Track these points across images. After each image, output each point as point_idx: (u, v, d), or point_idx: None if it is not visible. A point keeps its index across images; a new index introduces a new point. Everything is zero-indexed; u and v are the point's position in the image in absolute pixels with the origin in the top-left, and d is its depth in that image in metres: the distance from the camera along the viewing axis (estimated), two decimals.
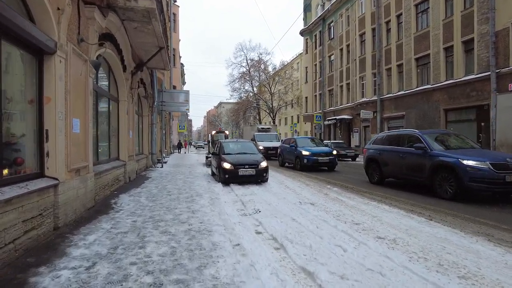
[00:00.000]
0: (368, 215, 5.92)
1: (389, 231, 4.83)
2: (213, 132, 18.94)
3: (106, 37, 6.78)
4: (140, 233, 4.46)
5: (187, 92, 15.31)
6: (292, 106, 52.91)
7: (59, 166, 4.36)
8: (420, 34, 20.84)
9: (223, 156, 10.29)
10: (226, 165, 9.70)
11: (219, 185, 9.62)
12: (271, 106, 48.50)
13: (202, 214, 5.71)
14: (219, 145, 11.42)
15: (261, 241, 4.39)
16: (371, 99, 25.75)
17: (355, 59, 28.27)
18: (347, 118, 29.49)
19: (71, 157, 4.77)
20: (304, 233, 4.68)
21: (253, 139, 21.65)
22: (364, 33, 26.66)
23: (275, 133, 24.27)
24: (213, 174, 12.26)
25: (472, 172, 6.85)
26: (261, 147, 19.49)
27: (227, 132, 19.44)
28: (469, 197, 7.45)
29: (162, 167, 14.95)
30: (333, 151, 14.76)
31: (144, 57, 10.33)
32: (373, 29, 25.57)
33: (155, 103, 13.84)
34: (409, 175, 8.71)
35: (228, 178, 9.66)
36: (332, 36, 33.46)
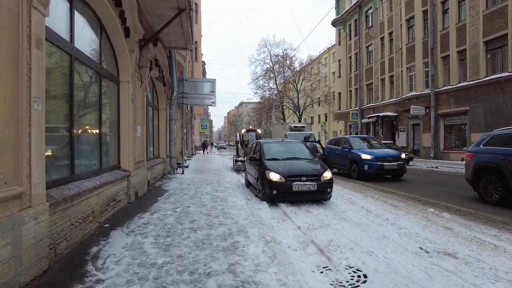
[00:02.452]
0: None
1: None
2: (243, 131, 15.90)
3: None
4: None
5: (213, 81, 12.38)
6: (319, 104, 49.38)
7: None
8: (492, 11, 17.06)
9: (267, 162, 7.25)
10: (274, 177, 6.66)
11: (264, 205, 6.58)
12: (297, 104, 45.16)
13: None
14: (258, 147, 8.39)
15: None
16: (422, 92, 22.06)
17: (401, 48, 24.60)
18: (391, 116, 25.84)
19: None
20: None
21: None
22: (412, 17, 22.95)
23: (311, 132, 21.03)
24: (248, 184, 9.27)
25: None
26: None
27: (259, 130, 16.38)
28: None
29: (182, 173, 12.09)
30: (401, 154, 11.43)
31: (157, 25, 7.44)
32: (425, 12, 21.88)
33: (175, 94, 10.99)
34: None
35: (277, 195, 6.62)
36: (370, 24, 29.85)
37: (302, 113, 45.83)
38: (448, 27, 20.13)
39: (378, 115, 26.17)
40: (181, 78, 12.17)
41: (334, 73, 47.71)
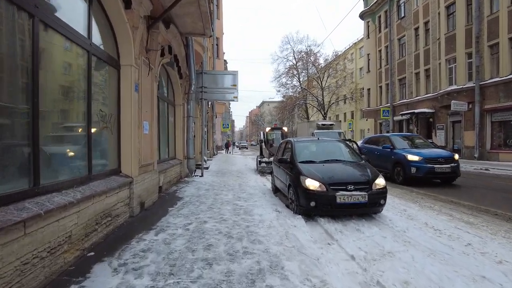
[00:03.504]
0: None
1: None
2: (267, 129, 14.50)
3: None
4: None
5: (235, 74, 11.10)
6: (344, 102, 47.27)
7: None
8: None
9: (301, 166, 5.85)
10: (312, 184, 5.27)
11: (299, 220, 5.18)
12: (322, 101, 43.26)
13: None
14: (289, 147, 7.01)
15: None
16: (464, 86, 19.88)
17: (439, 38, 22.44)
18: (427, 112, 23.69)
19: None
20: None
21: None
22: (453, 3, 20.77)
23: (340, 130, 19.38)
24: (275, 190, 7.94)
25: None
26: None
27: (285, 128, 14.93)
28: None
29: (202, 175, 10.89)
30: (454, 155, 9.71)
31: (167, 1, 6.20)
32: None
33: (193, 88, 9.80)
34: None
35: (315, 208, 5.22)
36: (402, 15, 27.70)
37: (327, 111, 43.91)
38: (497, 12, 17.90)
39: (413, 112, 24.05)
40: (200, 71, 10.98)
41: (361, 68, 45.61)
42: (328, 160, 6.15)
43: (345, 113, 49.40)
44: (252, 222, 4.95)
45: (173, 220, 5.01)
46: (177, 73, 9.11)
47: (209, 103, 20.85)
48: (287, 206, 6.26)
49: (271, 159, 12.94)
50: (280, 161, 6.75)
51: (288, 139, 7.95)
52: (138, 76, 5.31)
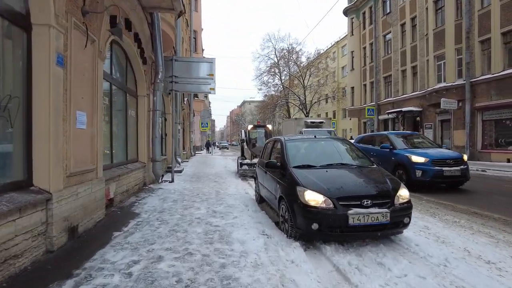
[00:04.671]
0: None
1: None
2: (249, 127, 12.89)
3: None
4: None
5: (211, 62, 9.49)
6: (326, 102, 46.41)
7: None
8: None
9: (296, 172, 4.34)
10: (314, 198, 3.79)
11: (297, 251, 3.65)
12: (304, 101, 42.15)
13: None
14: (279, 148, 5.50)
15: None
16: (453, 84, 19.09)
17: (426, 34, 21.62)
18: (415, 111, 22.85)
19: None
20: None
21: None
22: None
23: (331, 128, 18.06)
24: (260, 200, 6.45)
25: None
26: None
27: (269, 126, 13.35)
28: None
29: (172, 181, 9.22)
30: (463, 156, 8.52)
31: None
32: None
33: (160, 76, 8.14)
34: None
35: (319, 231, 3.73)
36: (388, 10, 26.89)
37: (309, 110, 42.85)
38: (489, 6, 17.09)
39: (401, 110, 23.14)
40: (170, 57, 9.33)
41: (343, 67, 44.91)
42: (331, 165, 4.68)
43: (326, 113, 48.64)
44: (230, 257, 3.39)
45: (113, 255, 3.38)
46: (139, 57, 7.43)
47: (185, 98, 19.04)
48: (277, 225, 4.76)
49: (254, 161, 11.43)
50: (268, 165, 5.19)
51: (277, 137, 6.41)
52: (64, 45, 3.66)
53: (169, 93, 9.42)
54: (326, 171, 4.40)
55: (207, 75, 9.38)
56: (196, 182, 9.54)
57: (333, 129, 17.68)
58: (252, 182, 10.18)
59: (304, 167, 4.60)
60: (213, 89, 9.42)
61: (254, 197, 7.09)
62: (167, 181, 9.23)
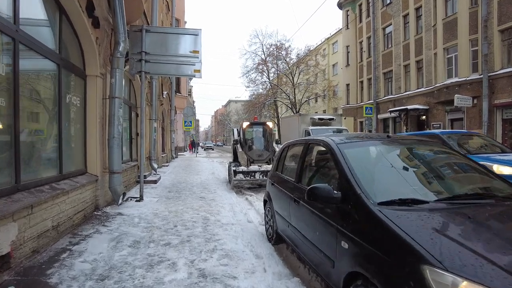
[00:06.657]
0: None
1: None
2: (245, 125, 10.12)
3: None
4: None
5: (196, 34, 6.91)
6: (316, 101, 44.40)
7: None
8: None
9: (396, 221, 1.84)
10: None
11: None
12: (293, 99, 39.86)
13: None
14: (333, 160, 2.90)
15: None
16: (467, 78, 17.11)
17: (434, 25, 19.61)
18: (420, 109, 20.83)
19: None
20: None
21: None
22: None
23: (343, 126, 15.61)
24: (277, 239, 3.90)
25: None
26: None
27: (270, 124, 10.66)
28: None
29: (140, 199, 6.54)
30: None
31: None
32: None
33: (120, 48, 5.49)
34: None
35: None
36: (388, 1, 24.83)
37: (299, 109, 40.60)
38: None
39: (406, 108, 21.05)
40: (140, 27, 6.67)
41: (334, 65, 43.01)
42: (458, 197, 2.19)
43: (316, 112, 46.54)
44: None
45: None
46: (85, 14, 4.74)
47: (164, 92, 16.18)
48: None
49: (252, 168, 8.86)
50: (312, 195, 2.49)
51: (312, 138, 3.74)
52: None
53: (139, 76, 6.74)
54: (469, 217, 1.90)
55: (190, 52, 6.78)
56: (174, 200, 6.86)
57: (345, 128, 15.31)
58: (249, 196, 7.63)
59: (402, 203, 2.09)
60: (199, 71, 6.80)
61: (264, 230, 4.57)
62: (133, 198, 6.55)
